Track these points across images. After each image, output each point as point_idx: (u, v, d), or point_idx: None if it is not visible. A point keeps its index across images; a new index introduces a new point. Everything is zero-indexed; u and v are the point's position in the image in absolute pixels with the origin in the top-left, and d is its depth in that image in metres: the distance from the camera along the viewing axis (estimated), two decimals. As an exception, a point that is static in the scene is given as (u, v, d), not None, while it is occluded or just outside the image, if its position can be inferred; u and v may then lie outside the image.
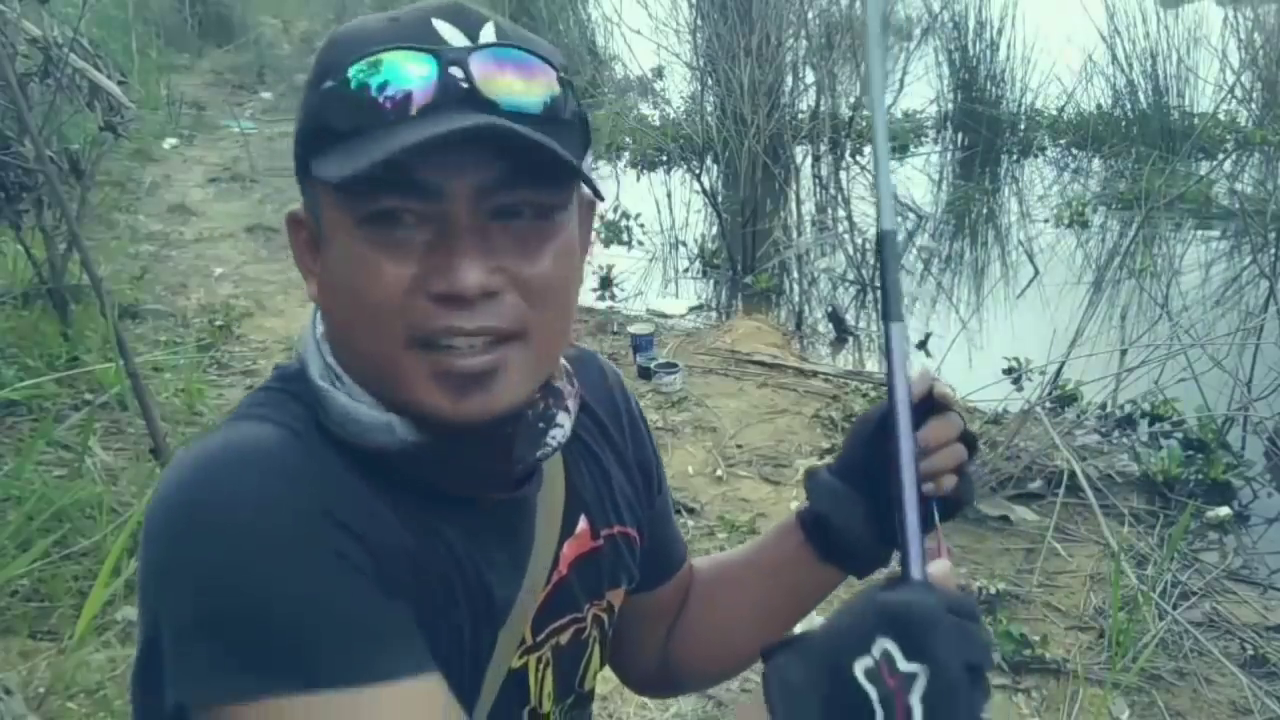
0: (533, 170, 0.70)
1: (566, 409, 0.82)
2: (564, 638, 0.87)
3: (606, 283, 5.39)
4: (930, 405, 0.83)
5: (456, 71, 0.69)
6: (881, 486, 0.80)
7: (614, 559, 0.92)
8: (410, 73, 0.69)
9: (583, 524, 0.89)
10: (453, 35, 0.71)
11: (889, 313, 0.75)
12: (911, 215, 6.32)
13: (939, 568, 0.70)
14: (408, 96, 0.68)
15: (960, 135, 7.95)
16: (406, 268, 0.70)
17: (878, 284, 5.23)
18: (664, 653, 1.05)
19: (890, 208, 0.77)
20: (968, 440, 0.85)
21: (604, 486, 0.92)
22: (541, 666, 0.86)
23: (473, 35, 0.72)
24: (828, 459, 0.98)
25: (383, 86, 0.68)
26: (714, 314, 5.17)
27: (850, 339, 4.77)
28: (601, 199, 0.79)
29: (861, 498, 0.88)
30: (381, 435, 0.74)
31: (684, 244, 6.10)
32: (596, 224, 6.87)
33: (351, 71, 0.69)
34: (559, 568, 0.86)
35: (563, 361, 0.85)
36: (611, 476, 0.93)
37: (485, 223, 0.71)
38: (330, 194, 0.71)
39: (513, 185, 0.70)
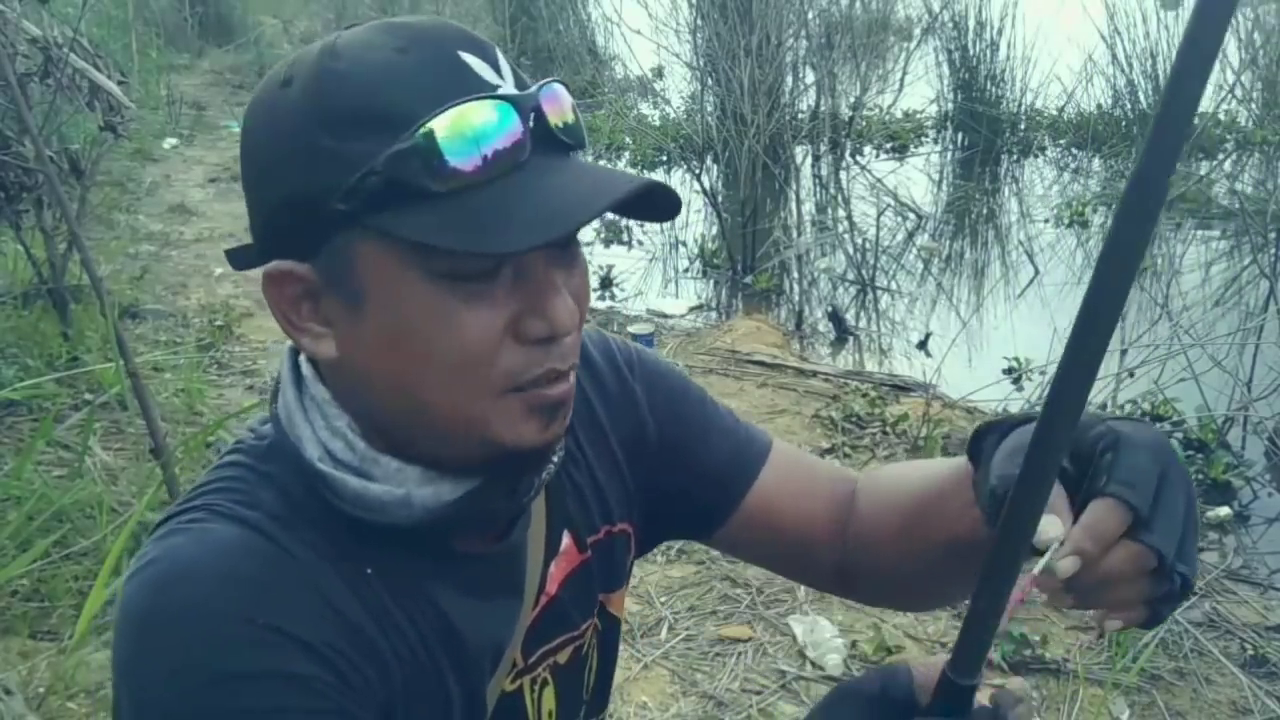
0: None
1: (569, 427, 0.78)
2: (562, 657, 0.85)
3: (607, 282, 5.39)
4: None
5: (532, 115, 0.66)
6: None
7: (605, 563, 0.89)
8: (495, 125, 0.65)
9: (566, 540, 0.86)
10: (484, 70, 0.67)
11: None
12: (911, 215, 6.32)
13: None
14: (507, 150, 0.65)
15: (960, 135, 7.96)
16: (497, 316, 0.67)
17: (878, 284, 5.24)
18: (841, 556, 0.93)
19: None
20: (1164, 576, 0.63)
21: (588, 490, 0.88)
22: (538, 687, 0.84)
23: (496, 66, 0.68)
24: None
25: (477, 142, 0.64)
26: (714, 314, 5.17)
27: (850, 339, 4.77)
28: None
29: None
30: (398, 512, 0.72)
31: (684, 244, 6.10)
32: (596, 224, 6.78)
33: (428, 130, 0.63)
34: (546, 589, 0.84)
35: None
36: (594, 474, 0.89)
37: (559, 252, 0.70)
38: (393, 248, 0.65)
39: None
